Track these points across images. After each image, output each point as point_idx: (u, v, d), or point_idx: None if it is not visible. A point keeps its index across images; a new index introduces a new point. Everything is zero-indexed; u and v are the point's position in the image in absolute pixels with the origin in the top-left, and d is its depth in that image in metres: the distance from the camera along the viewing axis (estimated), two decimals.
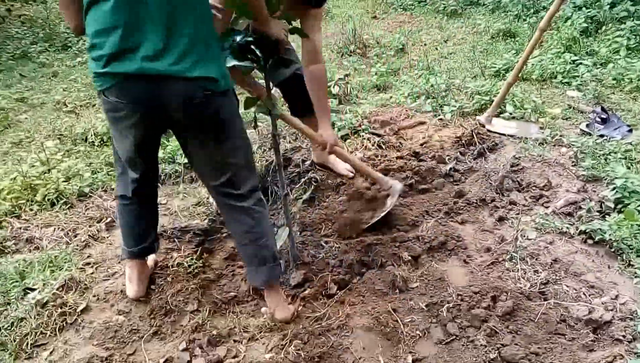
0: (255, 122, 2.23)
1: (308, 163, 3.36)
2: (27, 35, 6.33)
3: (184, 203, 3.06)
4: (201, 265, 2.55)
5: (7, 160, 3.54)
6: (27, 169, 3.14)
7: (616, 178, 2.75)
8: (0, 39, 6.19)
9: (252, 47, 1.94)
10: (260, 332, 2.10)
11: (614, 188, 2.69)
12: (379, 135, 3.67)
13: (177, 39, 1.68)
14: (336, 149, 2.69)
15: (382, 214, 2.71)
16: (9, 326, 2.13)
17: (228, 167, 1.95)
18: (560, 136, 3.44)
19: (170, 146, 3.46)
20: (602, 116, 3.59)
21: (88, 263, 2.54)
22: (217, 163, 1.95)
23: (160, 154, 3.38)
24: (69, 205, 2.99)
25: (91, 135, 3.67)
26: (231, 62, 1.90)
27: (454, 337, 2.00)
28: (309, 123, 3.13)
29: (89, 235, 2.72)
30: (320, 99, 2.65)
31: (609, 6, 5.61)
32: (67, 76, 5.17)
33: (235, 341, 2.08)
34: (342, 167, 3.16)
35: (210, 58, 1.75)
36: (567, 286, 2.21)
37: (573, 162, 3.15)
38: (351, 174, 3.04)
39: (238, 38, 1.86)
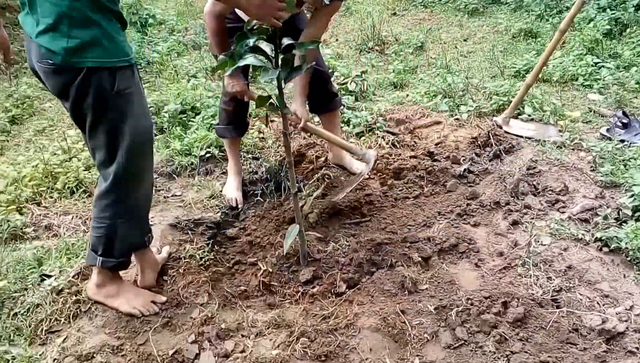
0: (267, 119, 2.24)
1: (322, 159, 3.36)
2: None
3: (198, 195, 3.08)
4: (213, 257, 2.57)
5: (30, 147, 3.61)
6: (49, 157, 3.19)
7: (635, 185, 2.71)
8: None
9: (261, 44, 1.93)
10: (268, 328, 2.12)
11: (632, 195, 2.66)
12: (393, 133, 3.66)
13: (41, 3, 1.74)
14: (308, 125, 2.73)
15: (359, 180, 2.86)
16: (25, 312, 2.17)
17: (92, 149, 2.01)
18: (580, 139, 3.40)
19: (187, 138, 3.48)
20: (624, 121, 3.53)
21: None
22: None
23: (177, 146, 3.40)
24: (88, 194, 3.03)
25: None
26: (244, 61, 1.89)
27: (463, 341, 1.99)
28: (326, 119, 3.15)
29: None
30: (301, 79, 2.69)
31: (634, 8, 5.50)
32: None
33: (243, 336, 2.09)
34: (357, 167, 3.17)
35: (60, 31, 1.74)
36: (581, 294, 2.19)
37: (592, 167, 3.11)
38: (366, 176, 3.04)
39: (251, 41, 1.85)
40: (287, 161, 2.24)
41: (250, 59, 1.89)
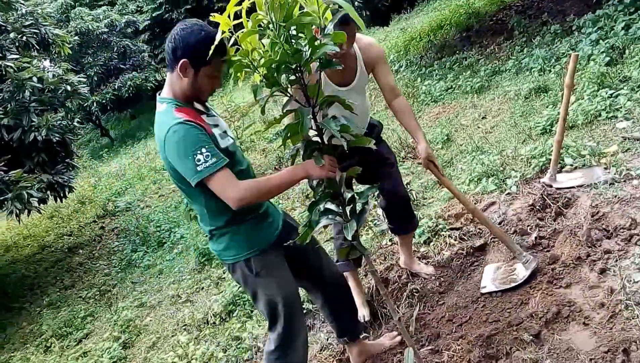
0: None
1: (404, 277, 3.59)
2: (126, 245, 7.16)
3: (309, 351, 3.30)
4: None
5: None
6: None
7: None
8: (105, 256, 7.04)
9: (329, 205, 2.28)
10: None
11: None
12: (457, 228, 3.88)
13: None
14: (431, 166, 2.97)
15: (512, 285, 2.92)
16: None
17: None
18: (627, 170, 3.54)
19: None
20: None
21: None
22: None
23: None
24: None
25: (211, 316, 4.09)
26: (320, 225, 2.24)
27: None
28: (403, 240, 3.48)
29: None
30: (411, 122, 2.98)
31: (623, 31, 5.81)
32: (170, 270, 5.79)
33: None
34: (425, 271, 3.42)
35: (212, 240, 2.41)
36: None
37: None
38: (432, 276, 3.30)
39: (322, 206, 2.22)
40: (383, 294, 2.47)
41: (324, 221, 2.24)
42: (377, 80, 2.99)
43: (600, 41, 5.91)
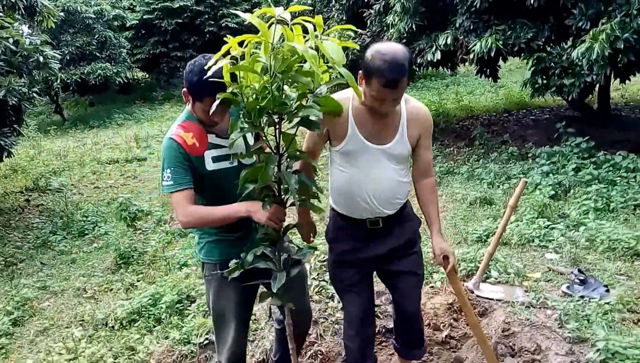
0: (270, 313, 2.54)
1: (313, 335, 3.61)
2: (46, 224, 6.85)
3: None
4: None
5: (33, 349, 3.77)
6: (57, 358, 3.37)
7: (598, 340, 3.01)
8: (21, 229, 6.70)
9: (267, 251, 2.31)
10: None
11: (597, 350, 2.94)
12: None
13: None
14: (445, 264, 2.54)
15: None
16: None
17: None
18: (545, 298, 3.74)
19: (185, 327, 3.72)
20: (580, 278, 3.93)
21: None
22: None
23: (177, 335, 3.62)
24: None
25: (111, 320, 3.94)
26: (253, 265, 2.26)
27: None
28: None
29: None
30: (433, 209, 2.57)
31: (573, 172, 6.28)
32: (84, 262, 5.57)
33: None
34: None
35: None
36: None
37: (559, 324, 3.41)
38: None
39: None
40: (290, 348, 2.46)
41: (256, 264, 2.26)
42: (413, 151, 2.47)
43: (550, 174, 6.35)
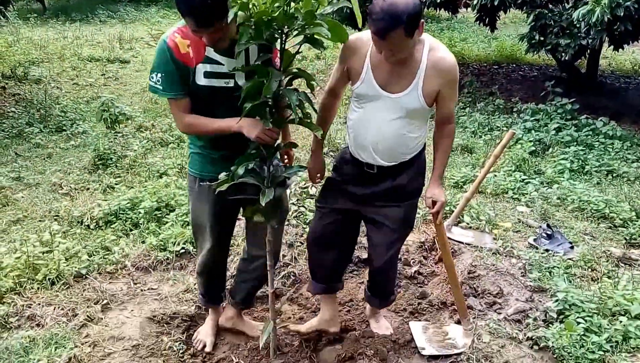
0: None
1: (287, 257, 3.71)
2: (23, 115, 6.65)
3: (173, 289, 3.32)
4: (190, 351, 2.82)
5: (5, 238, 3.76)
6: (31, 249, 3.38)
7: (558, 291, 3.18)
8: None
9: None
10: None
11: (556, 300, 3.11)
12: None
13: None
14: (440, 224, 2.67)
15: (454, 352, 2.82)
16: None
17: None
18: (511, 247, 3.90)
19: (162, 234, 3.76)
20: (548, 232, 4.09)
21: (86, 342, 2.76)
22: None
23: (153, 241, 3.67)
24: (67, 286, 3.22)
25: (87, 218, 3.95)
26: (242, 179, 2.27)
27: None
28: (371, 310, 3.09)
29: (87, 316, 2.95)
30: (442, 156, 2.57)
31: (555, 131, 6.39)
32: (61, 158, 5.48)
33: None
34: (382, 332, 3.01)
35: None
36: None
37: (522, 273, 3.58)
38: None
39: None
40: (269, 266, 2.55)
41: (245, 178, 2.27)
42: (436, 101, 2.37)
43: (532, 131, 6.45)
